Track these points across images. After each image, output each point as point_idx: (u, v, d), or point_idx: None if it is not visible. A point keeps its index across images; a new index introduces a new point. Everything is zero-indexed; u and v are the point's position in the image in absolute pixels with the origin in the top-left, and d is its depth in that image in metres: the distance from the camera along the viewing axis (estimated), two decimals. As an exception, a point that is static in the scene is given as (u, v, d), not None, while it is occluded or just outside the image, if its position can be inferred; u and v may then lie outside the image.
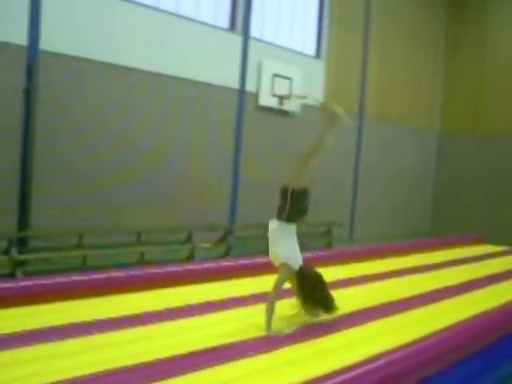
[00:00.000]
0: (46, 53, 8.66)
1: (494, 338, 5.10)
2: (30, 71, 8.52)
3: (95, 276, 5.71)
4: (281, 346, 4.21)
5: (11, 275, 8.00)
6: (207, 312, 5.08)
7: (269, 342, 4.27)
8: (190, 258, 9.85)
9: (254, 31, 12.02)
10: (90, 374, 3.52)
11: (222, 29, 11.61)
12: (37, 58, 8.55)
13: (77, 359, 3.79)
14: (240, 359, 3.92)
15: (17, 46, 8.41)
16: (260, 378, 3.68)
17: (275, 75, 12.11)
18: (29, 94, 8.53)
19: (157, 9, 10.28)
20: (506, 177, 16.17)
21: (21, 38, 8.44)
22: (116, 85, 9.61)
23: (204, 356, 3.94)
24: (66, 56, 8.93)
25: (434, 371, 4.20)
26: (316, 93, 13.29)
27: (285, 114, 12.46)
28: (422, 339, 4.34)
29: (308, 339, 4.42)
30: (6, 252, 8.20)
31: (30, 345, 3.99)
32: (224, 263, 7.27)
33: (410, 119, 16.64)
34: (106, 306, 5.10)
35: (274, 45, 12.55)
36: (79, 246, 8.96)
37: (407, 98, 16.49)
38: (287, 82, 12.34)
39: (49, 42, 8.68)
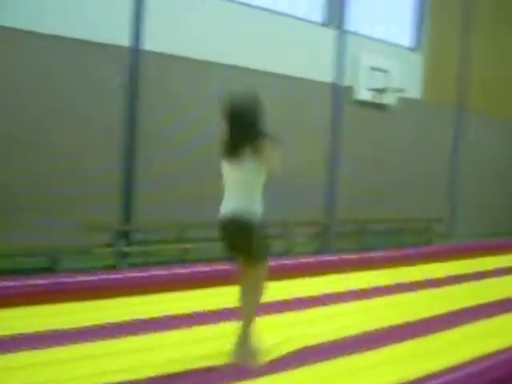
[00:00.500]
0: (148, 52, 8.93)
1: None
2: (133, 70, 8.82)
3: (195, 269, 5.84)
4: (388, 343, 4.14)
5: (113, 267, 8.35)
6: (300, 308, 5.07)
7: (372, 340, 4.22)
8: (287, 252, 9.87)
9: (350, 24, 11.87)
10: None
11: (316, 23, 11.54)
12: (139, 58, 8.84)
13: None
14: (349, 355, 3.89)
15: (120, 47, 8.72)
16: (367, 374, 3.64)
17: (372, 68, 11.92)
18: (132, 92, 8.84)
19: (250, 5, 10.35)
20: None
21: (124, 39, 8.74)
22: (212, 82, 9.75)
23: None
24: (165, 55, 9.16)
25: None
26: (414, 85, 13.00)
27: (382, 107, 12.25)
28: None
29: (412, 338, 4.33)
30: (110, 244, 8.56)
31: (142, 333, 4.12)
32: (322, 258, 7.26)
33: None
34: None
35: (370, 38, 12.35)
36: (180, 239, 9.18)
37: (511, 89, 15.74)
38: (384, 75, 12.11)
39: (150, 42, 8.94)
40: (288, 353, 3.92)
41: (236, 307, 3.84)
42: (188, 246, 9.12)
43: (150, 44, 8.92)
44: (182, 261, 8.72)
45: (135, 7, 8.78)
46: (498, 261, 8.24)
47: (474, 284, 6.64)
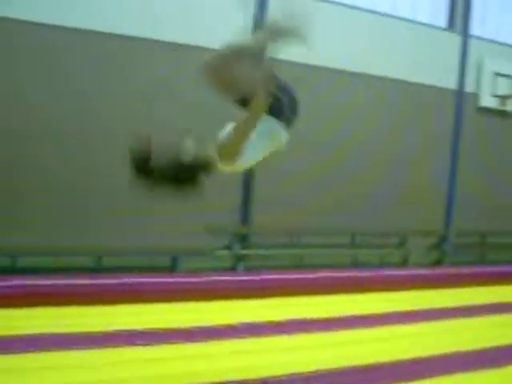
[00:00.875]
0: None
1: None
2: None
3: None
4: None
5: (232, 269, 8.60)
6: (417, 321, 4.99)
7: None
8: (404, 263, 9.70)
9: (474, 28, 11.49)
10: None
11: (439, 28, 11.27)
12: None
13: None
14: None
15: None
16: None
17: (496, 74, 11.47)
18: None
19: (372, 11, 10.27)
20: None
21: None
22: (335, 89, 9.77)
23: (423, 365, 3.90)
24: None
25: None
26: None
27: (508, 114, 11.76)
28: None
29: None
30: (229, 247, 8.82)
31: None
32: (438, 271, 7.08)
33: None
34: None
35: (494, 41, 11.87)
36: (295, 245, 9.27)
37: None
38: (510, 80, 11.62)
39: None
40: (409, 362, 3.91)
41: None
42: (302, 251, 9.21)
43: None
44: (297, 266, 8.83)
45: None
46: None
47: None
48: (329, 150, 9.74)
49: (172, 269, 8.20)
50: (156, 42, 8.31)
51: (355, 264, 9.30)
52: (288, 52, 8.25)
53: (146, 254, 8.31)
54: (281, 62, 3.62)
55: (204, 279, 5.66)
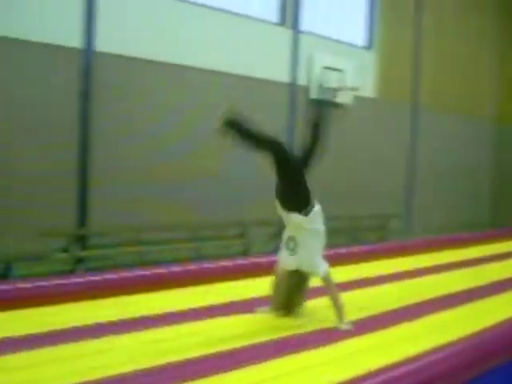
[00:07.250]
0: (101, 54, 8.82)
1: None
2: (86, 73, 8.71)
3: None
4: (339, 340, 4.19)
5: (71, 272, 8.26)
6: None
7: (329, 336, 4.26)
8: (245, 252, 9.86)
9: (304, 24, 11.96)
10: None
11: (271, 23, 11.57)
12: (92, 60, 8.72)
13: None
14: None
15: (72, 49, 8.59)
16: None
17: (326, 68, 12.03)
18: (85, 95, 8.71)
19: (205, 6, 10.32)
20: None
21: (76, 40, 8.62)
22: (172, 84, 9.70)
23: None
24: (120, 56, 9.07)
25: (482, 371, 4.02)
26: (368, 84, 13.14)
27: (337, 106, 12.32)
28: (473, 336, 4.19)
29: (361, 334, 4.37)
30: (66, 250, 8.46)
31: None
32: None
33: (466, 108, 16.19)
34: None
35: (324, 37, 12.45)
36: (136, 242, 9.10)
37: (464, 87, 16.06)
38: (338, 74, 12.23)
39: (103, 43, 8.84)
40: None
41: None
42: (144, 248, 9.09)
43: (103, 45, 8.83)
44: (140, 263, 8.67)
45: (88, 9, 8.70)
46: (455, 254, 8.40)
47: (426, 278, 6.74)
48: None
49: (5, 276, 7.72)
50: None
51: (199, 257, 9.31)
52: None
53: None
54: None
55: (37, 284, 5.31)
